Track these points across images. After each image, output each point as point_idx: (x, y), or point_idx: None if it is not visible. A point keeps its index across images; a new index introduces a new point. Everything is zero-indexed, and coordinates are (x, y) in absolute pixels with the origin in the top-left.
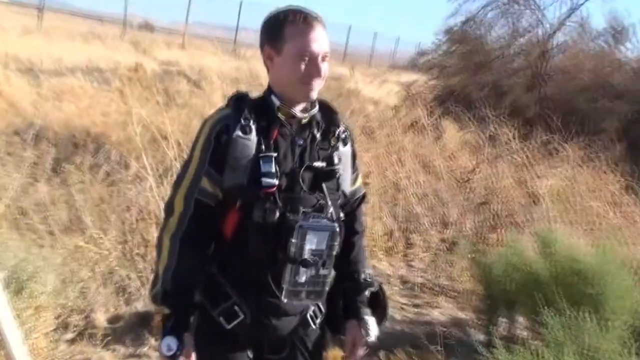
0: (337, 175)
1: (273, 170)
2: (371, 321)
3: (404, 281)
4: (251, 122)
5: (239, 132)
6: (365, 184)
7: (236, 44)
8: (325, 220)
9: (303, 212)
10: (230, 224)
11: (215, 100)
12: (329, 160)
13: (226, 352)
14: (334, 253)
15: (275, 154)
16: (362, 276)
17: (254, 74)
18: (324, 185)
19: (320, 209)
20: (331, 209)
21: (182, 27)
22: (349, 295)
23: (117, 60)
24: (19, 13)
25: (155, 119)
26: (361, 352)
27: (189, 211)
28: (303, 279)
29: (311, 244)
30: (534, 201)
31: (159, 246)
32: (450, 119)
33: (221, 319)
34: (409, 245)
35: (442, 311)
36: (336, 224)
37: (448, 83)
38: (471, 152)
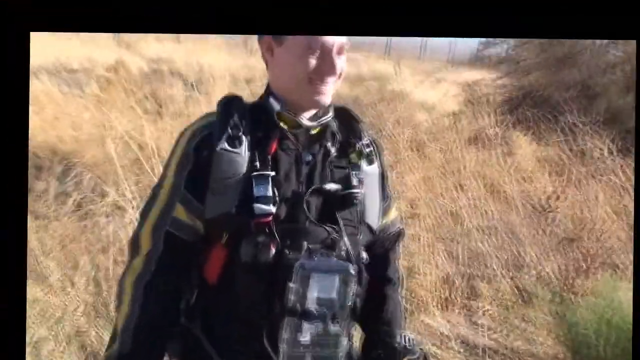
0: (355, 202)
1: (269, 193)
2: None
3: (465, 343)
4: (242, 131)
5: (224, 144)
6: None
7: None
8: (335, 259)
9: (308, 248)
10: (215, 265)
11: None
12: (346, 182)
13: None
14: (349, 303)
15: (273, 173)
16: (398, 340)
17: None
18: (337, 214)
19: (332, 245)
20: (346, 246)
21: None
22: None
23: (93, 57)
24: None
25: (140, 133)
26: None
27: (158, 249)
28: (307, 337)
29: (317, 290)
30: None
31: (119, 293)
32: (525, 129)
33: None
34: (471, 295)
35: None
36: (351, 265)
37: (522, 82)
38: (553, 173)
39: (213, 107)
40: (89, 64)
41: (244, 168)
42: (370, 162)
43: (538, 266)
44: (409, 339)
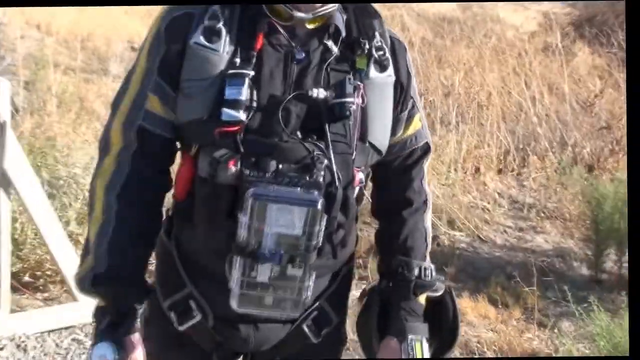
0: (347, 114)
1: (243, 97)
2: (420, 344)
3: (513, 201)
4: (222, 22)
5: (199, 38)
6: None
7: None
8: (298, 189)
9: (276, 169)
10: (182, 179)
11: None
12: (339, 89)
13: None
14: (314, 243)
15: (251, 72)
16: (415, 271)
17: None
18: (327, 127)
19: (309, 166)
20: (326, 169)
21: None
22: (389, 298)
23: None
24: None
25: None
26: None
27: (131, 147)
28: (264, 277)
29: (276, 225)
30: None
31: (90, 198)
32: (585, 44)
33: (172, 314)
34: (523, 165)
35: (546, 237)
36: (319, 196)
37: (587, 10)
38: (600, 77)
39: None
40: None
41: (221, 66)
42: (383, 69)
43: (579, 146)
44: (428, 271)
